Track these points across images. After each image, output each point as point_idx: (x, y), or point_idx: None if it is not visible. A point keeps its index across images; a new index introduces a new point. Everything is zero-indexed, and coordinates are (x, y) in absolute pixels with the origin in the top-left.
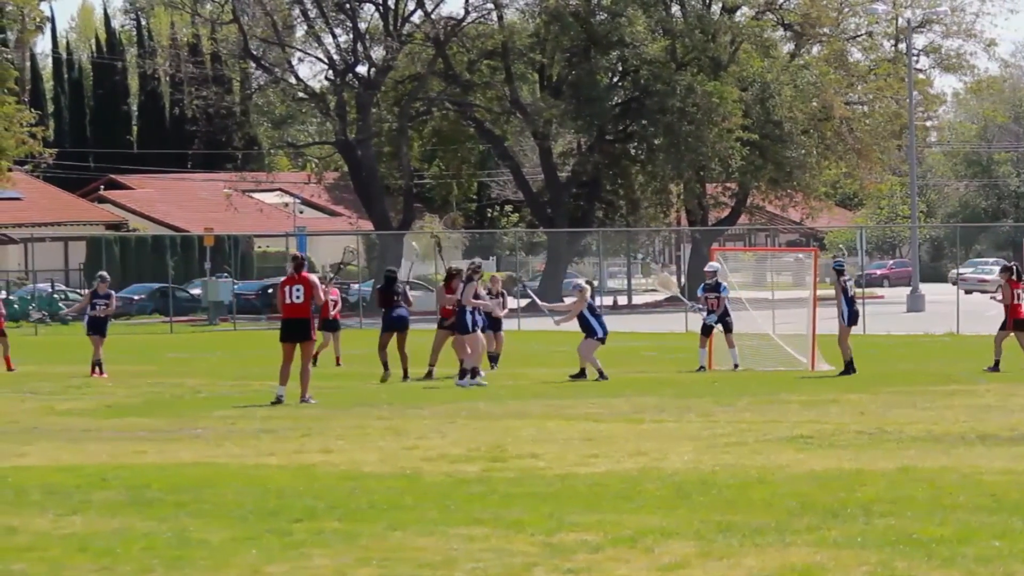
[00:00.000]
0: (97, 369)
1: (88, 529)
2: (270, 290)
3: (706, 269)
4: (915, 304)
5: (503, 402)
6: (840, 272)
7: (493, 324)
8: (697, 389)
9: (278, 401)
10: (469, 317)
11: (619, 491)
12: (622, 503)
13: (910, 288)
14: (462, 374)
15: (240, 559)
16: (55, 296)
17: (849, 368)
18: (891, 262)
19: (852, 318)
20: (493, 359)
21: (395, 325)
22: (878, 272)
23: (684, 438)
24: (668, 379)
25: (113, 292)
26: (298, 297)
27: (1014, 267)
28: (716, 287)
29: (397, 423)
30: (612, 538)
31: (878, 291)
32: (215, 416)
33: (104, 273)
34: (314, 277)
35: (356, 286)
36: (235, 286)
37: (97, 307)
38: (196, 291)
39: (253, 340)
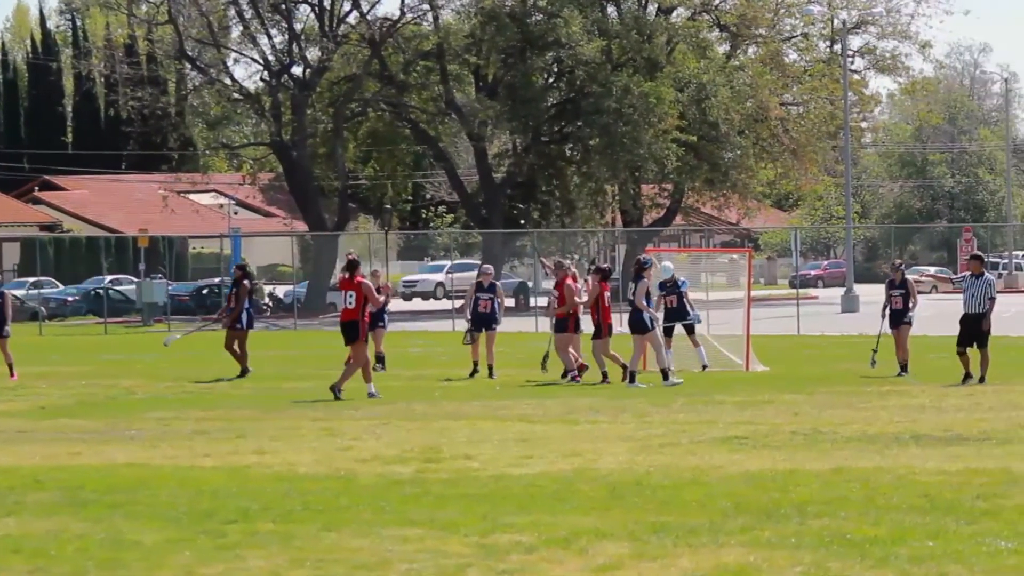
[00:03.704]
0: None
1: (22, 530)
2: (204, 291)
3: (663, 274)
4: (849, 305)
5: (437, 403)
6: None
7: (374, 319)
8: (632, 390)
9: (371, 396)
10: (646, 315)
11: (553, 492)
12: (556, 504)
13: (844, 289)
14: (631, 377)
15: (174, 560)
16: None
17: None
18: (825, 263)
19: None
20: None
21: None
22: (812, 273)
23: (618, 439)
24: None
25: (6, 290)
26: (350, 303)
27: (606, 268)
28: (675, 285)
29: (332, 424)
30: (546, 539)
31: (812, 292)
32: (150, 417)
33: None
34: (368, 282)
35: (291, 287)
36: (170, 287)
37: None
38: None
39: (187, 341)
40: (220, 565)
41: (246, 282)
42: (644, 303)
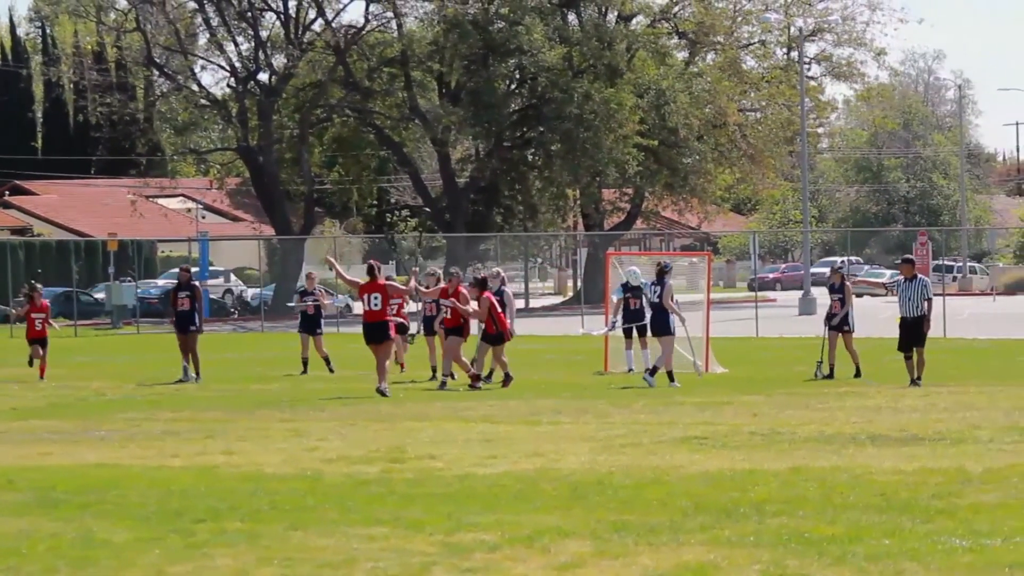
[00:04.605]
0: None
1: None
2: None
3: (629, 277)
4: (807, 307)
5: (402, 404)
6: None
7: (310, 325)
8: (594, 391)
9: (381, 393)
10: (671, 317)
11: (516, 491)
12: (519, 503)
13: (802, 292)
14: (671, 377)
15: (144, 559)
16: None
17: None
18: (783, 266)
19: None
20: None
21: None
22: (770, 276)
23: (581, 439)
24: (566, 381)
25: None
26: (376, 304)
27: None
28: (639, 288)
29: (299, 425)
30: (509, 538)
31: (770, 294)
32: (120, 418)
33: None
34: (392, 282)
35: (258, 290)
36: (138, 290)
37: None
38: (100, 295)
39: (156, 343)
40: (189, 564)
41: (195, 282)
42: (673, 305)
